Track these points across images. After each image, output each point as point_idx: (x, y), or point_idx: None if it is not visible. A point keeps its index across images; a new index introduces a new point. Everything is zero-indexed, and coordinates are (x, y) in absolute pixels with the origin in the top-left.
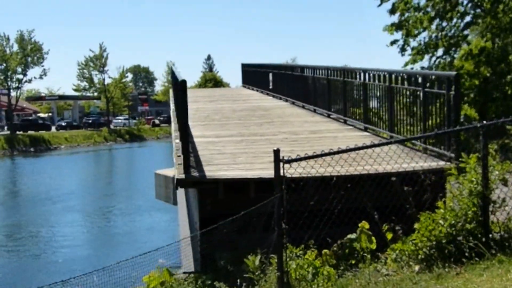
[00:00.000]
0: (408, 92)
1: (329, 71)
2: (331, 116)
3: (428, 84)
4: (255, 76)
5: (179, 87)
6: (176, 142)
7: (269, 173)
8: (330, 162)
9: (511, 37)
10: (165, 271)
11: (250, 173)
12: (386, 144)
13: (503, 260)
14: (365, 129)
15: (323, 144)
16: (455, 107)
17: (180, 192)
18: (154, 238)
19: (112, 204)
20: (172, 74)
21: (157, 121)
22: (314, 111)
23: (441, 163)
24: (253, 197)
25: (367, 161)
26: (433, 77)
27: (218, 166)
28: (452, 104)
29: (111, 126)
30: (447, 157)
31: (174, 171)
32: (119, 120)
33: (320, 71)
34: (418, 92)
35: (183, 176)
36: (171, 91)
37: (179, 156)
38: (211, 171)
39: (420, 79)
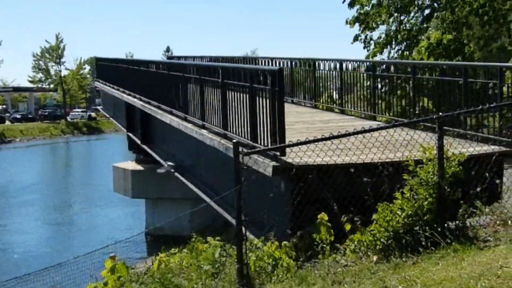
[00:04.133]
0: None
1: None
2: (318, 107)
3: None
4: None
5: (276, 75)
6: (205, 134)
7: (357, 158)
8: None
9: (466, 31)
10: (121, 265)
11: (337, 159)
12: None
13: (458, 249)
14: (374, 118)
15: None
16: None
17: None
18: (113, 231)
19: (70, 197)
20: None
21: (93, 114)
22: (292, 102)
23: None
24: (342, 182)
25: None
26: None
27: (296, 154)
28: None
29: (68, 119)
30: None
31: (133, 164)
32: (77, 113)
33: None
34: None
35: (277, 164)
36: (97, 83)
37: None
38: (297, 158)
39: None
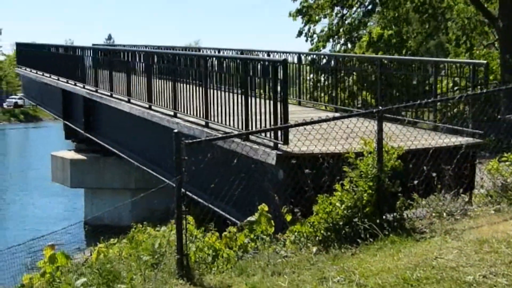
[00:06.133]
0: None
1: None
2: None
3: None
4: None
5: (282, 65)
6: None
7: (356, 147)
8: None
9: (406, 27)
10: (60, 255)
11: (338, 147)
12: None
13: (395, 241)
14: (336, 110)
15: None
16: None
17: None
18: (50, 221)
19: (6, 187)
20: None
21: (20, 102)
22: None
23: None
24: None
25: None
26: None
27: (294, 143)
28: None
29: (4, 106)
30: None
31: (71, 153)
32: (13, 100)
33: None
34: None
35: (280, 152)
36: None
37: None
38: (296, 147)
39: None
